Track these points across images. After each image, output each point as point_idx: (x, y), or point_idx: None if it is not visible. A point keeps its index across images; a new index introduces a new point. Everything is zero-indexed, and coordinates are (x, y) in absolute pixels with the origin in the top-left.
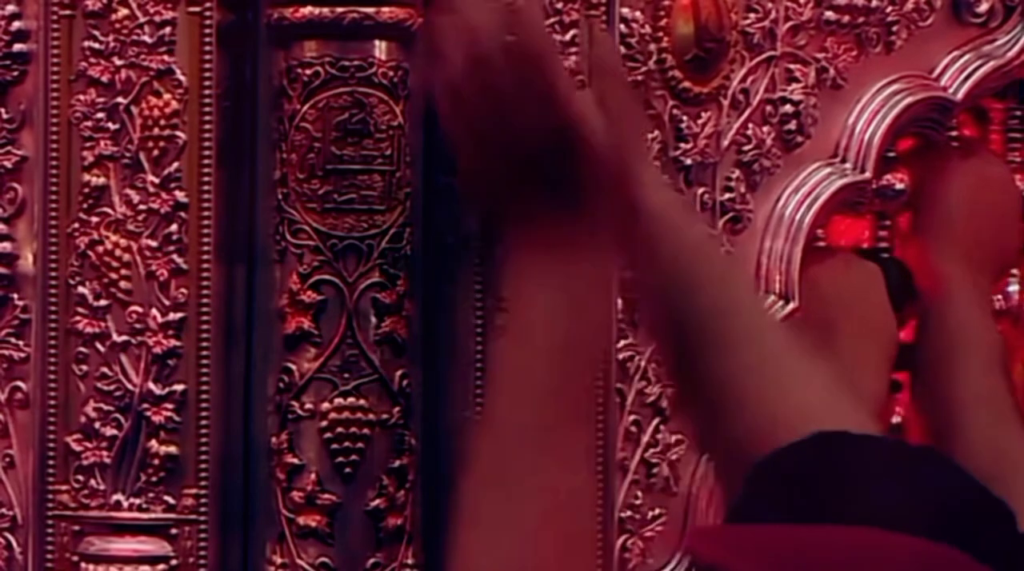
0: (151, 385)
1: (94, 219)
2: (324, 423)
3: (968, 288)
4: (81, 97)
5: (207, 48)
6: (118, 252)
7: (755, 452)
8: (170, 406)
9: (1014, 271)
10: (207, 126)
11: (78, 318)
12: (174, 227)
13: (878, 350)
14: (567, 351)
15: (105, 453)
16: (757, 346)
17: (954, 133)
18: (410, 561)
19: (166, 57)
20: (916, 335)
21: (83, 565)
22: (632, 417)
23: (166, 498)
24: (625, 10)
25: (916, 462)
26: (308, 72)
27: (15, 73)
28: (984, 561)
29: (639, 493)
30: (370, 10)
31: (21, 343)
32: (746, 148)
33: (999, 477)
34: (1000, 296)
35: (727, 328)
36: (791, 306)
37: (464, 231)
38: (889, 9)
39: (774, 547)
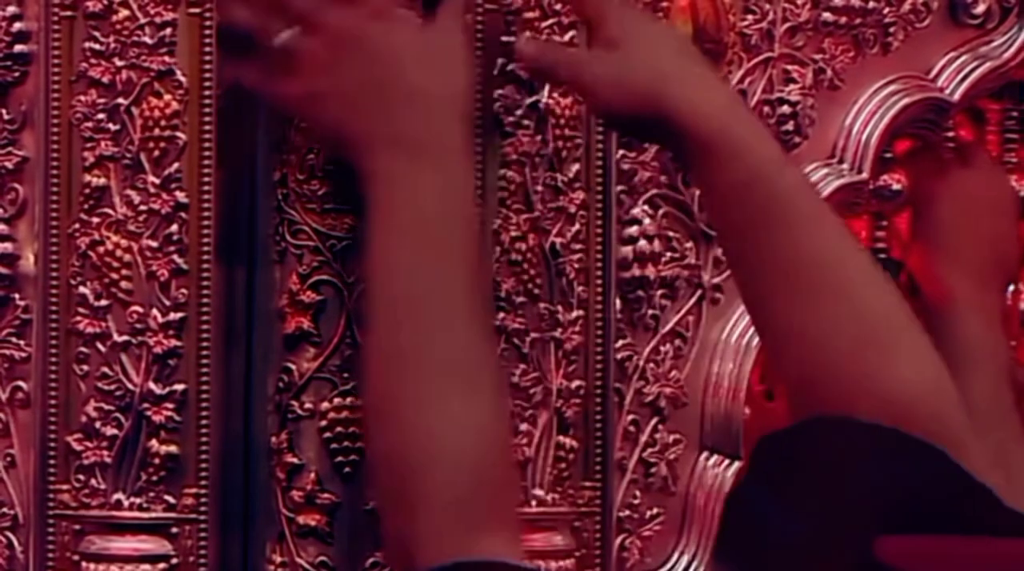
0: (151, 385)
1: (95, 219)
2: (324, 423)
3: (975, 301)
4: (82, 98)
5: (207, 49)
6: (119, 252)
7: (837, 404)
8: (170, 406)
9: None
10: (207, 127)
11: (79, 318)
12: (174, 227)
13: None
14: (446, 232)
15: (106, 452)
16: (864, 303)
17: (951, 134)
18: None
19: (167, 58)
20: None
21: (84, 564)
22: (630, 417)
23: (166, 497)
24: None
25: (907, 449)
26: None
27: (16, 74)
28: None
29: (637, 493)
30: None
31: (22, 343)
32: None
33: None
34: None
35: (828, 279)
36: None
37: None
38: (886, 10)
39: (963, 556)
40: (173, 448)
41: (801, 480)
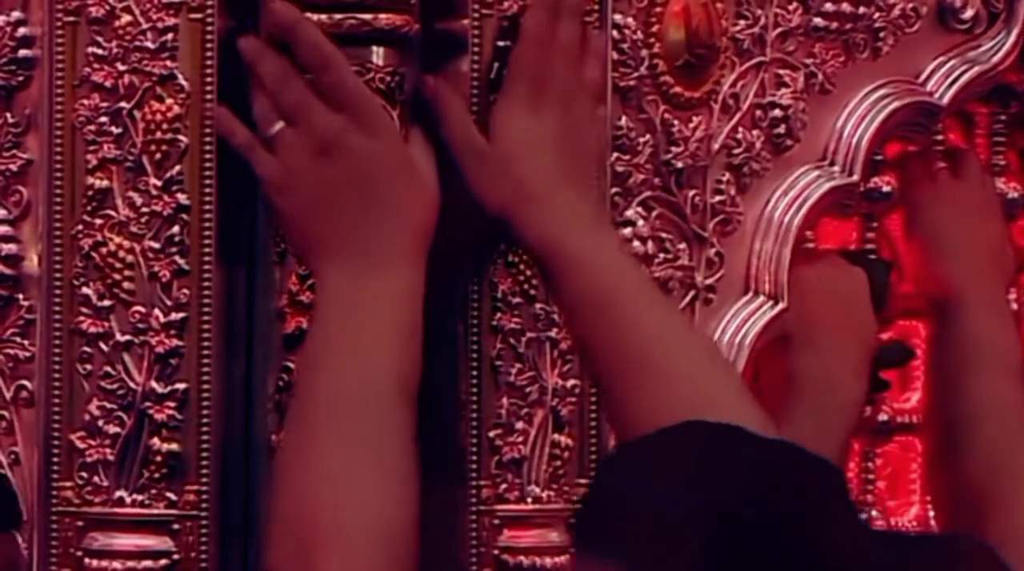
0: (153, 384)
1: (98, 221)
2: None
3: (981, 299)
4: (85, 102)
5: (208, 54)
6: (121, 253)
7: None
8: (172, 404)
9: None
10: (208, 130)
11: (82, 318)
12: (176, 229)
13: (859, 350)
14: (377, 333)
15: (108, 450)
16: (698, 388)
17: (940, 137)
18: None
19: (168, 62)
20: (932, 346)
21: (87, 560)
22: None
23: (168, 494)
24: (617, 16)
25: (739, 441)
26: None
27: (20, 78)
28: (796, 530)
29: None
30: (367, 16)
31: (26, 342)
32: (736, 151)
33: (996, 493)
34: None
35: (668, 371)
36: (780, 307)
37: (461, 234)
38: (876, 16)
39: None
40: (175, 446)
41: (657, 465)
